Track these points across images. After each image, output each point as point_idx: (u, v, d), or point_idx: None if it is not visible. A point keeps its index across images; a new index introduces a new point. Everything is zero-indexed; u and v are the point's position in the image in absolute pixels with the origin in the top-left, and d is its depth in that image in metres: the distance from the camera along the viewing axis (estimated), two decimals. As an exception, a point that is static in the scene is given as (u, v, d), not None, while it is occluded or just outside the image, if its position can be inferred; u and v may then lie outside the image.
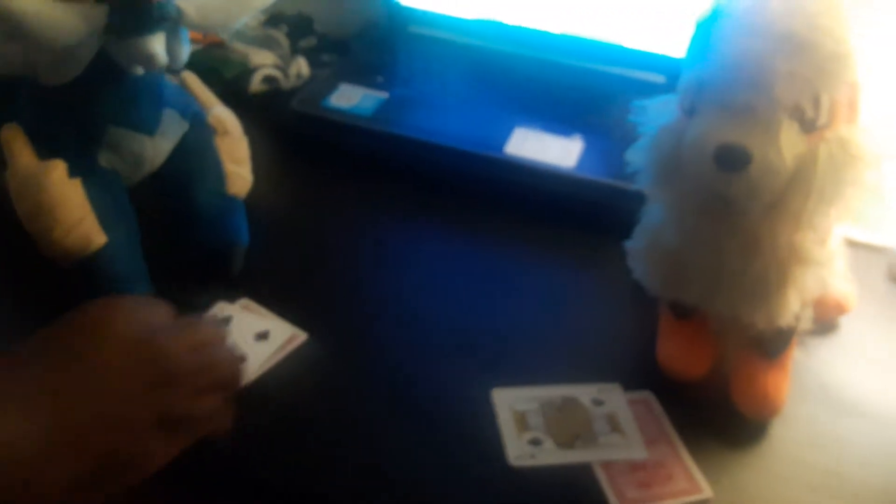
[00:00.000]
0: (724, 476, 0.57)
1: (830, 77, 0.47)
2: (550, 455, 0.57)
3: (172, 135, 0.66)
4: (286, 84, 0.94)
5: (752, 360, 0.60)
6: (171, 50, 0.59)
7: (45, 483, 0.41)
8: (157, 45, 0.57)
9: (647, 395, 0.62)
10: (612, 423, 0.60)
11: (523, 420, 0.59)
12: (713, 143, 0.47)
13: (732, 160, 0.46)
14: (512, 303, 0.71)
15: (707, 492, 0.55)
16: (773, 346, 0.59)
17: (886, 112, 0.85)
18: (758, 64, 0.46)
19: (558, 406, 0.61)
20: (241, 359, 0.52)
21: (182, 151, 0.68)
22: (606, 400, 0.61)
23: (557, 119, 0.84)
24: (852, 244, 0.78)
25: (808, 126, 0.48)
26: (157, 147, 0.65)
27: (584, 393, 0.62)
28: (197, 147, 0.69)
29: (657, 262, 0.57)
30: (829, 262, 0.60)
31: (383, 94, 0.87)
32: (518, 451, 0.57)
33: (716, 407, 0.62)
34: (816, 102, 0.47)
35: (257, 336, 0.63)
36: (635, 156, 0.55)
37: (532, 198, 0.78)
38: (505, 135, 0.82)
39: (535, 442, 0.58)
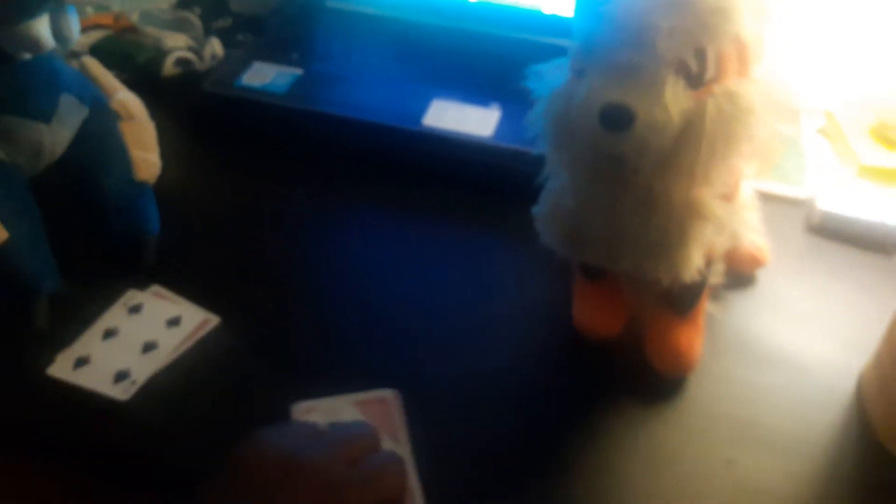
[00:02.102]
0: (640, 433, 0.58)
1: (713, 31, 0.46)
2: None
3: (71, 122, 0.65)
4: (201, 66, 0.93)
5: (664, 318, 0.60)
6: (58, 29, 0.58)
7: None
8: (40, 28, 0.56)
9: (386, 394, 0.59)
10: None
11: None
12: (598, 104, 0.46)
13: (617, 119, 0.46)
14: (432, 274, 0.71)
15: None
16: (682, 302, 0.59)
17: (802, 67, 0.86)
18: (638, 21, 0.45)
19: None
20: (400, 462, 0.49)
21: (84, 138, 0.66)
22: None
23: (476, 89, 0.84)
24: (769, 198, 0.79)
25: (695, 81, 0.48)
26: (56, 135, 0.64)
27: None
28: (100, 133, 0.67)
29: (559, 225, 0.57)
30: (734, 216, 0.61)
31: (298, 71, 0.85)
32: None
33: (632, 366, 0.62)
34: (701, 57, 0.47)
35: (168, 322, 0.62)
36: (532, 121, 0.54)
37: (451, 168, 0.78)
38: (422, 107, 0.81)
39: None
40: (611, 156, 0.48)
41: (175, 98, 0.88)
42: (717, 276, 0.63)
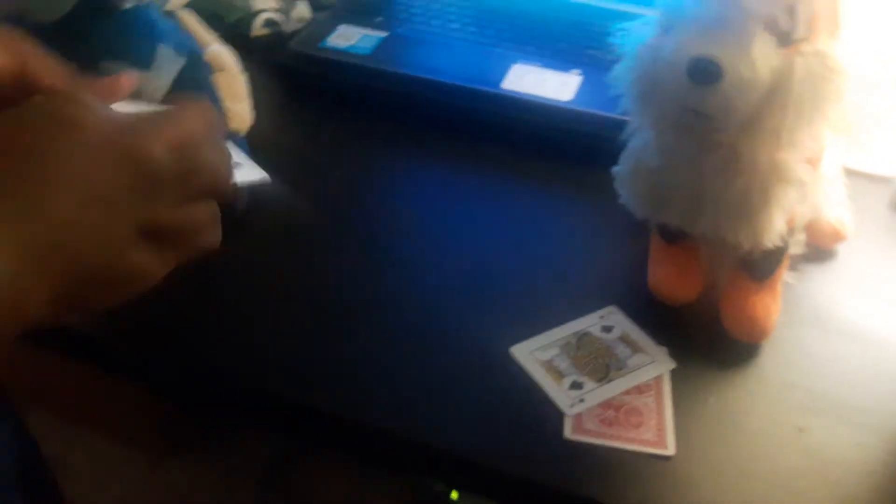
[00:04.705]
0: (711, 396, 0.58)
1: (805, -12, 0.46)
2: (596, 394, 0.56)
3: (168, 70, 0.67)
4: (288, 28, 0.95)
5: (742, 283, 0.60)
6: None
7: (19, 301, 0.35)
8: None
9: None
10: (629, 345, 0.60)
11: (554, 368, 0.58)
12: (686, 57, 0.46)
13: (704, 73, 0.46)
14: (507, 236, 0.72)
15: (670, 450, 0.54)
16: (761, 268, 0.59)
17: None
18: (728, -25, 0.45)
19: (576, 344, 0.60)
20: (229, 158, 0.43)
21: (181, 88, 0.68)
22: (613, 324, 0.62)
23: (557, 55, 0.84)
24: (855, 174, 0.78)
25: (785, 39, 0.47)
26: (154, 83, 0.66)
27: (589, 324, 0.62)
28: (195, 84, 0.69)
29: (640, 185, 0.57)
30: (817, 183, 0.60)
31: (382, 34, 0.87)
32: (567, 400, 0.56)
33: (707, 330, 0.62)
34: (792, 13, 0.47)
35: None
36: (617, 77, 0.55)
37: (530, 132, 0.78)
38: (503, 71, 0.81)
39: (577, 386, 0.57)
40: (697, 112, 0.48)
41: (263, 58, 0.90)
42: (797, 246, 0.62)
